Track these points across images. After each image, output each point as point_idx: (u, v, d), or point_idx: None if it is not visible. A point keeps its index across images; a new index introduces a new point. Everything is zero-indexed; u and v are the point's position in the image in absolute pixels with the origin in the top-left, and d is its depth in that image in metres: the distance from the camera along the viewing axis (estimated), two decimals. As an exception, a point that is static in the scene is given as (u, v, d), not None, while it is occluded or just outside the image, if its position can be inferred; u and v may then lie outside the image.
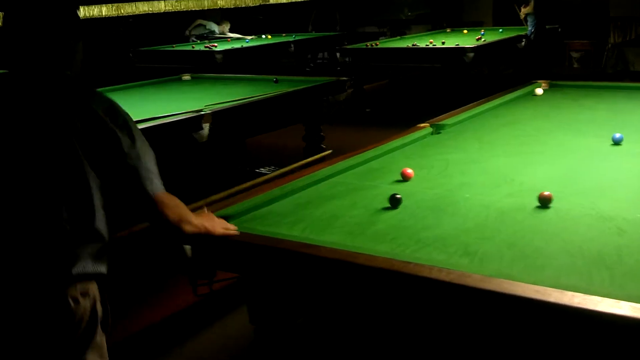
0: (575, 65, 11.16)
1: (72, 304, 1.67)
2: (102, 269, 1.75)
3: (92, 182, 1.72)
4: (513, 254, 1.69)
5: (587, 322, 1.33)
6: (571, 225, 1.88)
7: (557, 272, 1.56)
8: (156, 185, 1.77)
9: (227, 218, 2.02)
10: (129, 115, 1.81)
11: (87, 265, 1.70)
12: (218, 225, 1.90)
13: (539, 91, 3.95)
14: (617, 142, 2.74)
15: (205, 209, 2.00)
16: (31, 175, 1.70)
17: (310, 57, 10.66)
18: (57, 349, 1.70)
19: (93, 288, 1.74)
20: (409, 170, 2.41)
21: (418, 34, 9.95)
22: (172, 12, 10.15)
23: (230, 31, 10.23)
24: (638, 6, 10.39)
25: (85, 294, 1.70)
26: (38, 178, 1.70)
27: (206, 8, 10.14)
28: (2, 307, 1.68)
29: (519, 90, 4.13)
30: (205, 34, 9.89)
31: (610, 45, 9.92)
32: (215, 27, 10.01)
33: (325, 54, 10.83)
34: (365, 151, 2.75)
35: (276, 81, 5.11)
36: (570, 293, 1.37)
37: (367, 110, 8.46)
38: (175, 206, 1.81)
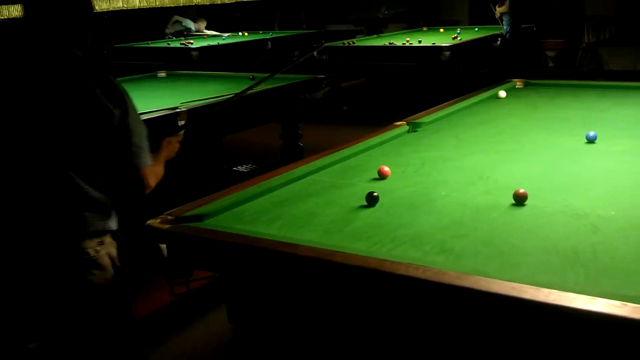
0: (550, 64, 11.28)
1: (92, 253, 2.02)
2: (112, 225, 2.09)
3: (89, 148, 1.98)
4: (489, 251, 1.70)
5: (563, 319, 1.34)
6: (546, 222, 1.89)
7: (533, 269, 1.57)
8: (141, 159, 2.03)
9: (203, 217, 2.01)
10: (126, 93, 2.02)
11: (97, 224, 2.03)
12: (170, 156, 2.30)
13: (502, 94, 3.90)
14: (591, 141, 2.77)
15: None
16: (36, 142, 1.97)
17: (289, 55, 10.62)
18: (85, 289, 2.05)
19: (107, 239, 2.08)
20: (386, 169, 2.41)
21: (395, 33, 9.99)
22: (147, 9, 10.07)
23: (207, 29, 10.17)
24: (612, 6, 10.54)
25: (101, 244, 2.05)
26: (41, 146, 1.96)
27: (181, 4, 10.07)
28: (33, 264, 2.04)
29: (494, 89, 4.16)
30: (181, 31, 9.82)
31: (584, 44, 10.04)
32: (191, 25, 9.95)
33: (297, 52, 10.76)
34: (341, 149, 2.75)
35: (252, 78, 5.08)
36: (546, 290, 1.38)
37: (344, 108, 8.48)
38: (156, 176, 2.12)
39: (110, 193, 2.06)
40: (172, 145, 2.33)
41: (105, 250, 2.07)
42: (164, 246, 1.93)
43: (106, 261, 2.07)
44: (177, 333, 3.16)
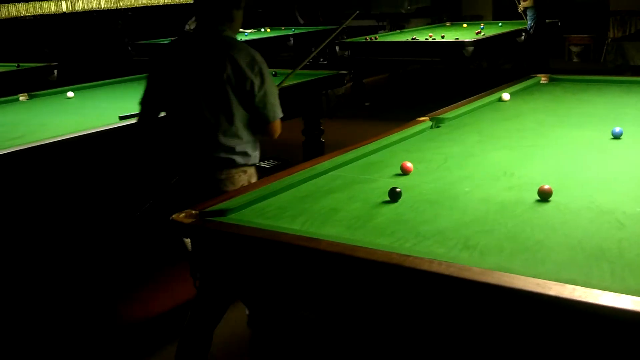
0: (575, 60, 11.16)
1: (236, 177, 2.71)
2: (254, 161, 2.79)
3: (234, 106, 2.65)
4: (513, 247, 1.69)
5: (588, 316, 1.33)
6: (571, 218, 1.88)
7: (558, 265, 1.56)
8: (274, 114, 2.73)
9: (226, 211, 2.02)
10: (264, 64, 2.68)
11: (240, 161, 2.72)
12: None
13: (506, 96, 3.72)
14: (616, 136, 2.74)
15: None
16: (195, 98, 2.68)
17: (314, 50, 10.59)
18: None
19: (249, 170, 2.78)
20: (409, 164, 2.41)
21: (417, 28, 9.95)
22: (170, 5, 10.13)
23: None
24: (638, 0, 10.38)
25: (244, 172, 2.75)
26: (199, 101, 2.67)
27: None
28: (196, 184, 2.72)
29: (518, 84, 4.13)
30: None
31: (610, 39, 9.91)
32: (213, 21, 9.98)
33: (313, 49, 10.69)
34: (364, 145, 2.75)
35: (275, 74, 5.09)
36: (571, 286, 1.36)
37: (367, 104, 8.46)
38: (280, 128, 2.79)
39: (251, 140, 2.76)
40: None
41: (246, 175, 2.75)
42: (187, 240, 1.94)
43: (243, 182, 2.71)
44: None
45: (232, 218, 1.99)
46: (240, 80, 2.62)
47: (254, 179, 2.77)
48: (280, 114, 2.75)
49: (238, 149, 2.69)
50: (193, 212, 2.00)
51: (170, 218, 1.97)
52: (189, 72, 2.70)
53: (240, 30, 9.91)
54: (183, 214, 1.98)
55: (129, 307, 3.44)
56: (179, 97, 2.73)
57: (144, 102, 2.85)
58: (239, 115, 2.67)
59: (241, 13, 2.78)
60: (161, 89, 2.80)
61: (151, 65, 2.90)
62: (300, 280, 1.88)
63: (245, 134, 2.71)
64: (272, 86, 2.71)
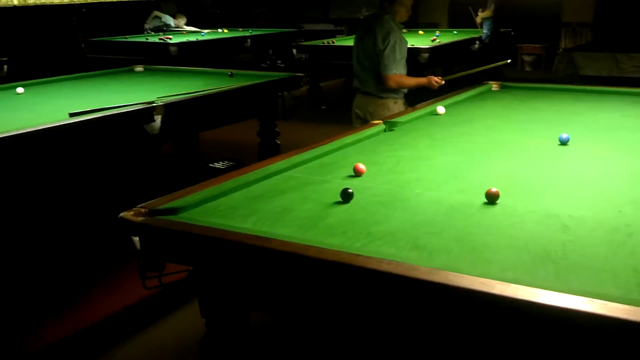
0: (527, 69, 11.40)
1: (390, 105, 4.34)
2: (400, 96, 4.41)
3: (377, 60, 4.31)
4: (461, 248, 1.72)
5: (531, 315, 1.35)
6: (517, 221, 1.92)
7: (504, 266, 1.59)
8: (386, 70, 4.24)
9: (177, 210, 2.00)
10: (394, 38, 4.23)
11: (391, 95, 4.39)
12: (433, 81, 4.43)
13: (441, 110, 3.67)
14: (563, 142, 2.81)
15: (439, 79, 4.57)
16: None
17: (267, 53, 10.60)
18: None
19: (399, 100, 4.42)
20: (361, 166, 2.42)
21: (374, 33, 9.99)
22: (126, 2, 9.98)
23: (187, 25, 10.12)
24: (589, 13, 10.67)
25: (395, 102, 4.39)
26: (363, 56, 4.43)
27: (161, -1, 10.00)
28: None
29: (470, 91, 4.20)
30: (161, 26, 9.76)
31: (561, 49, 10.16)
32: (170, 21, 9.89)
33: (270, 51, 10.69)
34: (318, 146, 2.75)
35: (231, 75, 5.07)
36: (514, 285, 1.39)
37: (323, 107, 8.47)
38: (395, 82, 4.29)
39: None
40: (431, 81, 4.40)
41: (396, 105, 4.35)
42: (136, 239, 1.92)
43: (394, 110, 4.21)
44: (150, 327, 3.14)
45: (183, 216, 1.98)
46: (376, 45, 4.24)
47: (402, 108, 4.21)
48: (391, 72, 4.24)
49: (385, 86, 4.29)
50: (142, 210, 1.97)
51: (119, 216, 1.94)
52: (362, 39, 4.39)
53: (197, 30, 9.89)
54: (132, 212, 1.96)
55: (76, 309, 3.38)
56: (359, 54, 4.44)
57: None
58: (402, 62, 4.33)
59: (403, 8, 4.33)
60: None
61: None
62: (252, 280, 1.87)
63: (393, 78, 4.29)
64: (392, 52, 4.22)
